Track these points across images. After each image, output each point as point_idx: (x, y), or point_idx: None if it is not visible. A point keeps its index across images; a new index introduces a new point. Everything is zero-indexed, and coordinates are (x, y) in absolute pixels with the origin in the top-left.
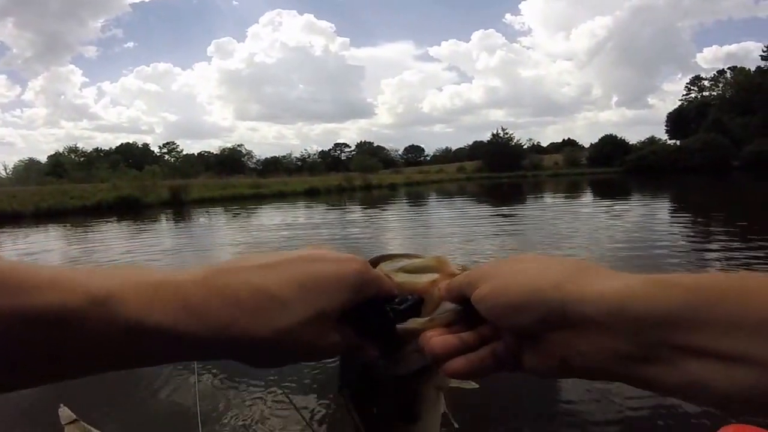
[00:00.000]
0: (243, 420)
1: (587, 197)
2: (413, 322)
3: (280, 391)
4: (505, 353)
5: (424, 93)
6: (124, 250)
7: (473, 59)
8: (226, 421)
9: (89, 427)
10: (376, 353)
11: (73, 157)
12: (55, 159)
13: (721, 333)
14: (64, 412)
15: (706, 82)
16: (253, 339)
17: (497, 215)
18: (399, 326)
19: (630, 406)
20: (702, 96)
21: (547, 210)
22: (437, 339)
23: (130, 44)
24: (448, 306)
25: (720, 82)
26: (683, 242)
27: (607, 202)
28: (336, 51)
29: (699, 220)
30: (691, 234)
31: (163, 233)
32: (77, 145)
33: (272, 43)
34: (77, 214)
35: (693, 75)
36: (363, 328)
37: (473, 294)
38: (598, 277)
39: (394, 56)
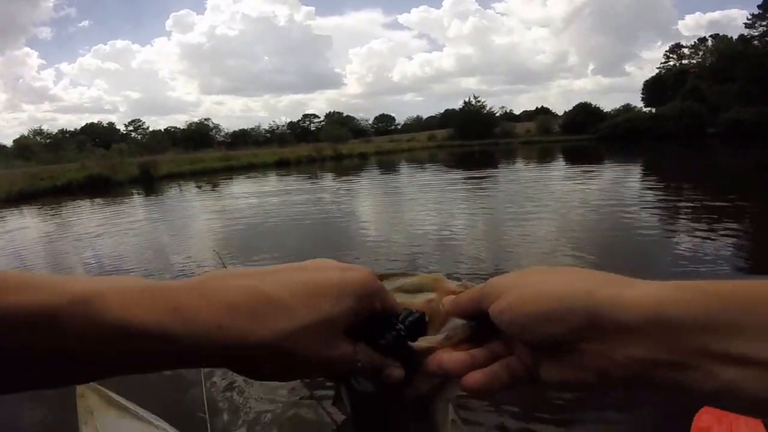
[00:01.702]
0: (245, 382)
1: (559, 164)
2: (426, 340)
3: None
4: (520, 368)
5: (394, 62)
6: (99, 224)
7: (445, 26)
8: (228, 383)
9: (101, 387)
10: (400, 372)
11: (39, 139)
12: (22, 142)
13: (759, 339)
14: None
15: (686, 50)
16: (249, 343)
17: (468, 181)
18: (415, 344)
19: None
20: (681, 64)
21: (518, 176)
22: (449, 357)
23: (85, 23)
24: (458, 322)
25: (701, 50)
26: (652, 205)
27: (579, 169)
28: (301, 21)
29: (670, 186)
30: (660, 199)
31: (136, 209)
32: (42, 128)
33: (233, 14)
34: (48, 195)
35: (673, 43)
36: (376, 344)
37: (491, 306)
38: (629, 285)
39: (362, 25)
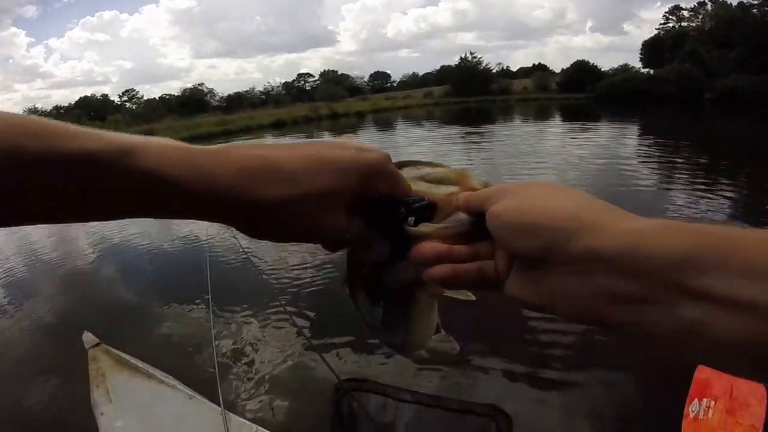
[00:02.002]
0: (253, 340)
1: (556, 122)
2: (425, 227)
3: (284, 313)
4: (491, 273)
5: (388, 17)
6: None
7: None
8: (236, 341)
9: (112, 349)
10: (385, 251)
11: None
12: None
13: (734, 277)
14: (87, 337)
15: (685, 13)
16: (254, 203)
17: (465, 138)
18: (410, 228)
19: (606, 348)
20: (680, 26)
21: (516, 132)
22: (429, 245)
23: None
24: (461, 217)
25: (700, 13)
26: (650, 164)
27: (576, 128)
28: None
29: (665, 149)
30: (654, 162)
31: None
32: (36, 106)
33: None
34: None
35: (672, 4)
36: (374, 223)
37: (490, 208)
38: (622, 218)
39: None
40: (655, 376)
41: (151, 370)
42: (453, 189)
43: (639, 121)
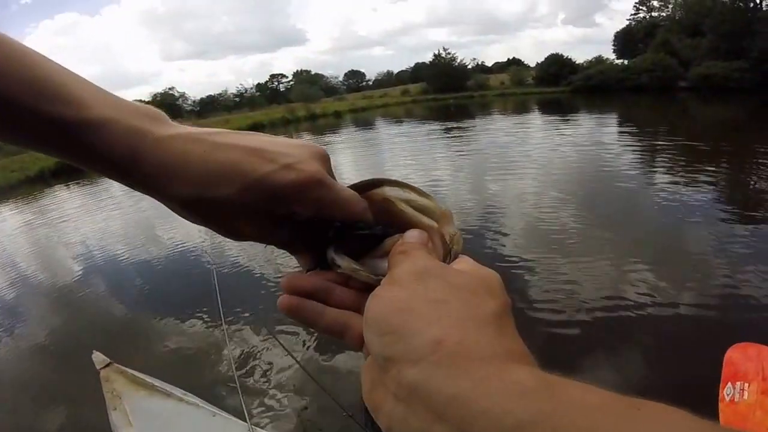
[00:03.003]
0: (267, 352)
1: (535, 116)
2: (342, 259)
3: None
4: (357, 335)
5: (359, 14)
6: (78, 209)
7: None
8: (249, 352)
9: (124, 368)
10: (309, 265)
11: None
12: None
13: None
14: (98, 357)
15: (655, 2)
16: (164, 196)
17: (449, 133)
18: (330, 253)
19: (640, 328)
20: (651, 16)
21: (497, 126)
22: (299, 278)
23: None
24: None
25: (670, 3)
26: (627, 158)
27: (557, 121)
28: None
29: (646, 137)
30: (636, 150)
31: (114, 190)
32: None
33: None
34: (22, 187)
35: None
36: (300, 236)
37: (381, 283)
38: (486, 357)
39: None
40: (684, 362)
41: (169, 388)
42: (434, 224)
43: (616, 111)
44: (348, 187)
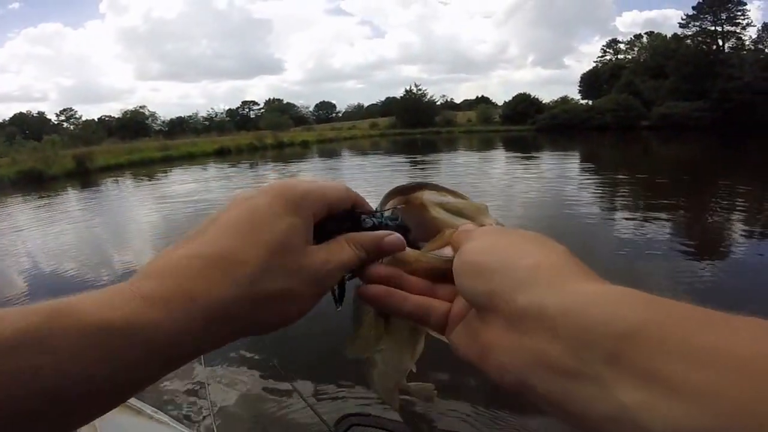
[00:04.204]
0: (242, 372)
1: (500, 153)
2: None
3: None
4: (441, 316)
5: (336, 48)
6: (32, 223)
7: (387, 13)
8: (224, 372)
9: None
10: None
11: None
12: None
13: (687, 361)
14: None
15: (622, 46)
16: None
17: (413, 166)
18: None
19: None
20: (617, 59)
21: (461, 161)
22: (383, 268)
23: (15, 5)
24: (446, 253)
25: (636, 46)
26: (591, 189)
27: (520, 158)
28: (241, 4)
29: (607, 174)
30: (598, 186)
31: (72, 204)
32: None
33: None
34: None
35: (611, 38)
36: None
37: (461, 247)
38: (580, 276)
39: (304, 10)
40: None
41: (139, 405)
42: (468, 225)
43: (580, 150)
44: (391, 190)
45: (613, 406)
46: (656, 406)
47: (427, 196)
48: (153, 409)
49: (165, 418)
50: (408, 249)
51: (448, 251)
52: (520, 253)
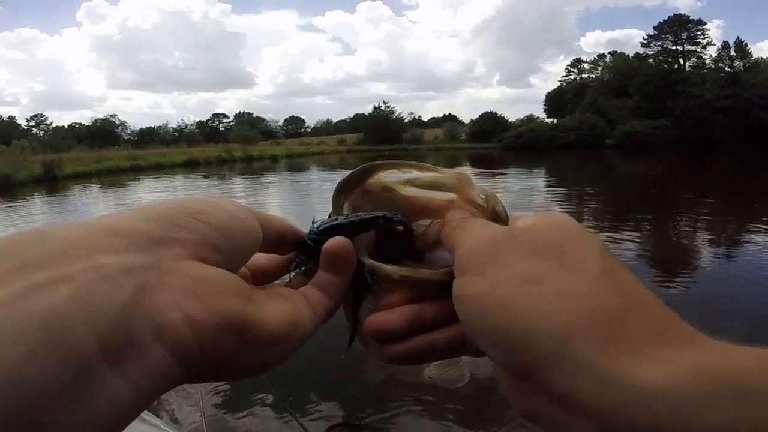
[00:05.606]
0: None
1: (467, 169)
2: (387, 267)
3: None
4: (458, 341)
5: (306, 63)
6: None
7: (357, 31)
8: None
9: None
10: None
11: None
12: None
13: None
14: None
15: (586, 65)
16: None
17: None
18: (369, 262)
19: None
20: (581, 78)
21: None
22: (396, 299)
23: None
24: (443, 256)
25: (599, 65)
26: (558, 208)
27: (487, 174)
28: (216, 17)
29: (572, 190)
30: (560, 202)
31: (38, 209)
32: None
33: (148, 6)
34: None
35: (575, 57)
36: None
37: (456, 280)
38: (639, 340)
39: (277, 25)
40: None
41: None
42: (453, 196)
43: (544, 167)
44: (338, 186)
45: None
46: None
47: (387, 177)
48: (144, 411)
49: (156, 420)
50: (387, 266)
51: (442, 254)
52: (534, 310)
